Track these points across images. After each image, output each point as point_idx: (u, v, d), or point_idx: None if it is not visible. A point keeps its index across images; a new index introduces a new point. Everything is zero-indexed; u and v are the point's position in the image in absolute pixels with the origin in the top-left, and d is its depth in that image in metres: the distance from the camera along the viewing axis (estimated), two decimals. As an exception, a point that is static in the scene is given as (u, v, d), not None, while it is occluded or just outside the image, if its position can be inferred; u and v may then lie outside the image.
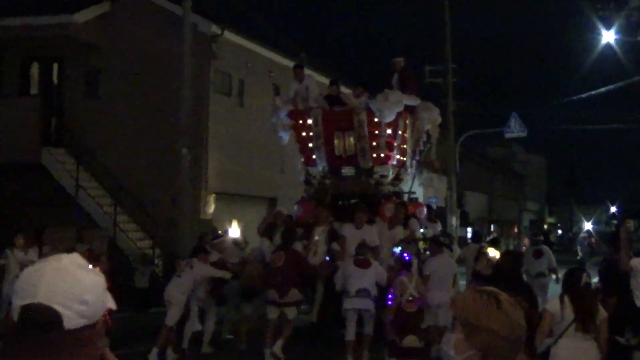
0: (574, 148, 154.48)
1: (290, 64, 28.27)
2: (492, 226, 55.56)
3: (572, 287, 7.05)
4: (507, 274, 7.34)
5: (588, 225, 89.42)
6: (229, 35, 24.06)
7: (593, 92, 32.77)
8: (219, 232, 18.09)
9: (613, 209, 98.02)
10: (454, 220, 30.74)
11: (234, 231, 23.27)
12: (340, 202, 15.69)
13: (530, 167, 74.92)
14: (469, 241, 20.93)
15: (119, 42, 23.61)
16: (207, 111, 23.25)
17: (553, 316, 6.90)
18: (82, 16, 23.18)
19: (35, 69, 25.01)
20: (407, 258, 11.98)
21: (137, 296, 18.54)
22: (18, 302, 1.79)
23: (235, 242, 18.08)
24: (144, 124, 22.99)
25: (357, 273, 12.46)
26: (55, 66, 24.78)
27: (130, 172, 22.72)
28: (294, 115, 16.44)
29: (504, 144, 60.76)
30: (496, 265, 7.93)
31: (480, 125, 40.06)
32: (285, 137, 16.97)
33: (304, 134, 16.43)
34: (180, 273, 13.11)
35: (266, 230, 15.41)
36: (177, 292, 12.81)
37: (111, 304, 1.93)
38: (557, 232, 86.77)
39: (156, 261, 21.46)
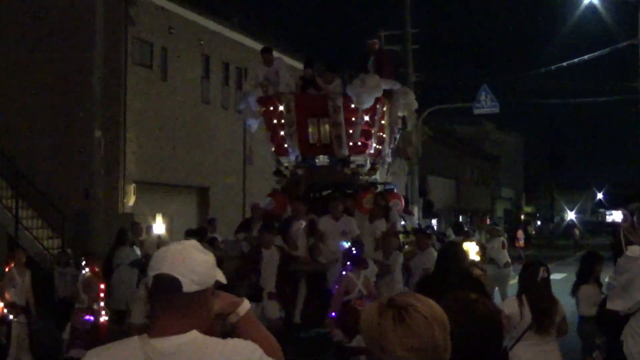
0: (555, 125, 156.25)
1: (221, 29, 28.46)
2: (460, 217, 56.26)
3: (529, 283, 7.34)
4: (455, 268, 7.54)
5: (571, 215, 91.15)
6: (149, -5, 24.10)
7: (576, 60, 33.38)
8: (141, 226, 18.21)
9: (600, 196, 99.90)
10: (415, 210, 31.05)
11: (159, 227, 23.43)
12: (313, 194, 16.76)
13: (504, 148, 75.77)
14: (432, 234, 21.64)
15: (15, 3, 23.36)
16: (125, 86, 23.26)
17: (510, 318, 7.17)
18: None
19: None
20: (356, 253, 12.57)
21: (59, 304, 17.88)
22: (151, 274, 2.89)
23: (160, 242, 18.24)
24: (49, 100, 22.83)
25: None
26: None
27: (33, 158, 22.56)
28: (264, 101, 17.22)
29: (473, 121, 61.47)
30: (438, 259, 8.05)
31: (446, 99, 40.59)
32: (254, 124, 17.77)
33: (275, 121, 17.21)
34: None
35: (243, 226, 16.32)
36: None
37: (221, 278, 3.02)
38: (536, 224, 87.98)
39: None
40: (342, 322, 11.75)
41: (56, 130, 22.63)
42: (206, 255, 2.97)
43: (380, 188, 17.66)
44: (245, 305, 3.12)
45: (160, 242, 18.29)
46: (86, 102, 19.61)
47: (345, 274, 12.20)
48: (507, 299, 7.53)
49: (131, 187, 23.64)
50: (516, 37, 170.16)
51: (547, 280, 7.43)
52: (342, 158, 16.82)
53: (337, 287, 12.26)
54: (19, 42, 23.27)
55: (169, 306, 2.86)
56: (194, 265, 2.88)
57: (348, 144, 16.66)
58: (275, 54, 18.24)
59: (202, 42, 27.09)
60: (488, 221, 42.89)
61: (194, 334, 2.85)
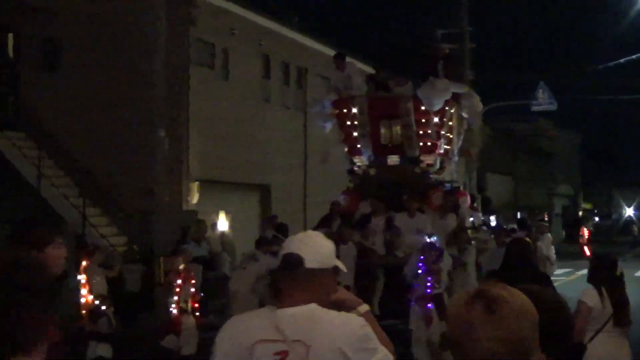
0: (612, 122, 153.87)
1: (281, 29, 28.60)
2: (518, 213, 55.83)
3: (609, 276, 7.38)
4: (523, 264, 7.59)
5: (629, 211, 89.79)
6: (210, -3, 24.28)
7: (634, 57, 33.05)
8: (206, 224, 18.43)
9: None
10: (474, 207, 31.04)
11: (222, 224, 23.62)
12: (384, 192, 17.26)
13: (561, 144, 75.03)
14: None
15: (80, 6, 23.64)
16: (187, 86, 23.47)
17: (591, 310, 7.21)
18: (33, -24, 23.12)
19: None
20: (437, 246, 13.51)
21: (126, 299, 17.99)
22: (282, 253, 3.56)
23: (223, 239, 18.45)
24: (114, 101, 23.07)
25: None
26: (10, 37, 24.82)
27: (97, 157, 22.81)
28: (338, 104, 17.99)
29: (530, 118, 60.99)
30: (506, 255, 8.22)
31: (503, 97, 40.41)
32: (329, 126, 18.56)
33: (348, 122, 17.96)
34: (245, 265, 14.20)
35: (323, 222, 17.13)
36: (242, 284, 13.86)
37: (341, 266, 3.62)
38: (594, 220, 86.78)
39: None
40: (441, 315, 12.22)
41: (120, 130, 22.82)
42: (327, 242, 3.63)
43: (447, 186, 18.29)
44: (365, 306, 3.66)
45: (223, 239, 18.52)
46: (149, 102, 19.77)
47: (439, 267, 12.99)
48: (586, 291, 7.52)
49: (194, 185, 23.82)
50: (573, 33, 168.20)
51: (622, 275, 7.50)
52: (412, 157, 17.52)
53: (429, 279, 12.85)
54: (81, 43, 23.51)
55: (293, 279, 3.48)
56: (316, 247, 3.54)
57: (419, 144, 17.39)
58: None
59: (262, 43, 27.21)
60: (546, 217, 42.70)
61: (313, 305, 3.43)
